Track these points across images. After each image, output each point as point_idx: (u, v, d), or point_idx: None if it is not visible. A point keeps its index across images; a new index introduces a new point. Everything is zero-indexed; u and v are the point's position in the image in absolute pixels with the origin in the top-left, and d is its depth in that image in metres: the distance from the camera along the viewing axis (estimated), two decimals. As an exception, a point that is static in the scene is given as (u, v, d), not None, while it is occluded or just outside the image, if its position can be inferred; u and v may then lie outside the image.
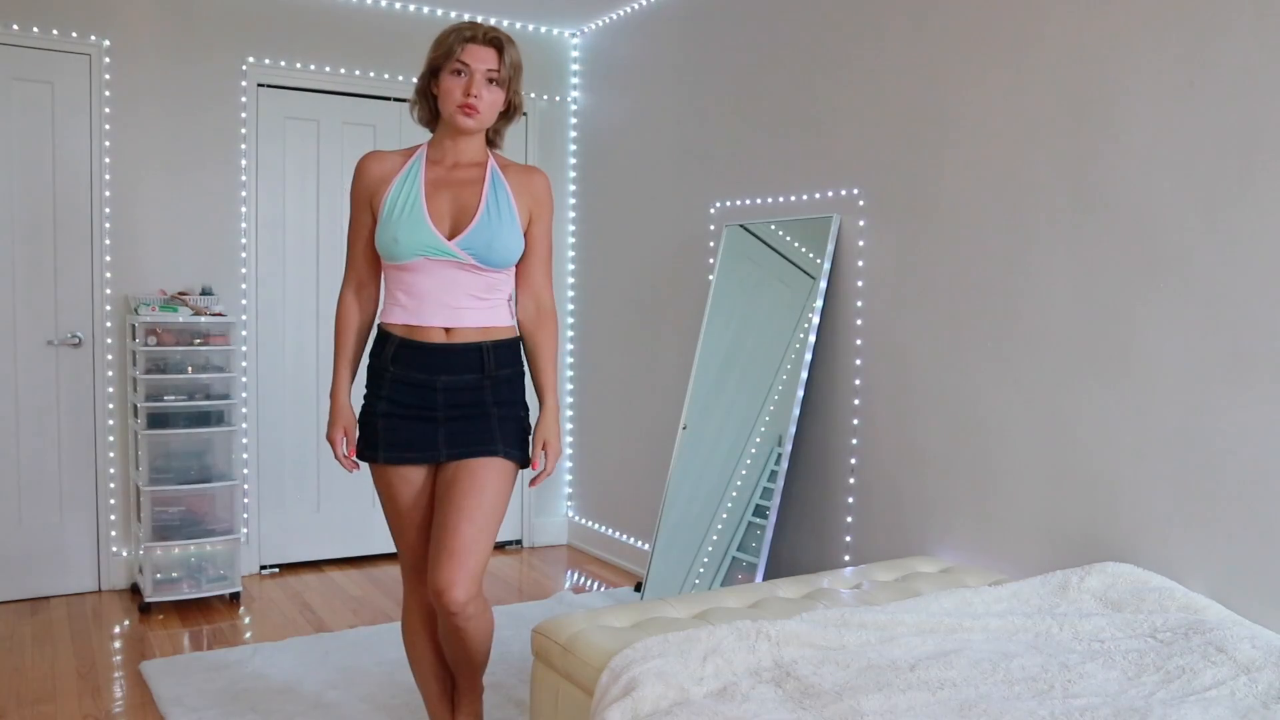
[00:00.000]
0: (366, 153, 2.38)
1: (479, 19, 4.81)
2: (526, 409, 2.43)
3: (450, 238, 2.26)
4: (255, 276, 4.48)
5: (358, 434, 2.38)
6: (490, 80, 2.27)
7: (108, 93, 4.16)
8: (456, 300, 2.29)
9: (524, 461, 2.39)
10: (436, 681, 2.53)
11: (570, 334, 5.15)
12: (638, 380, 4.62)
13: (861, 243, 3.43)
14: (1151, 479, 2.59)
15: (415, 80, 2.40)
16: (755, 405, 3.68)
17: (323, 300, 4.65)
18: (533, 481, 2.41)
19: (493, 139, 2.42)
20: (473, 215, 2.28)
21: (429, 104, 2.36)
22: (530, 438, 2.42)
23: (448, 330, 2.31)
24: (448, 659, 2.47)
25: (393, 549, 4.78)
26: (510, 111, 2.37)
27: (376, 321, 2.43)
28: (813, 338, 3.50)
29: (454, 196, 2.30)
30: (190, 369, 4.07)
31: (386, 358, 2.33)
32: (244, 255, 4.43)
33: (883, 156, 3.35)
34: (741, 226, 3.89)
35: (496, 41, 2.28)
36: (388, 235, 2.27)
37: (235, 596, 4.12)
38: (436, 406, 2.31)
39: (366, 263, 2.39)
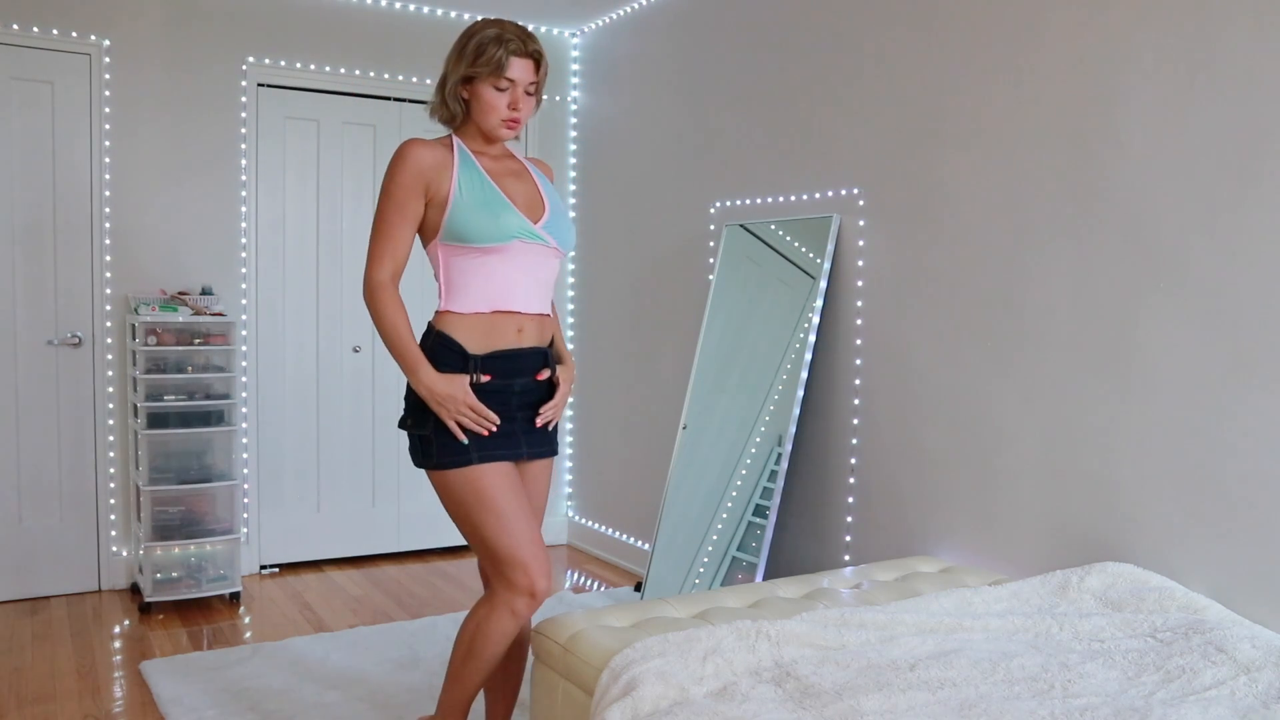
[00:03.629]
0: (409, 140, 2.26)
1: (478, 19, 4.81)
2: None
3: (536, 224, 2.30)
4: (255, 276, 4.48)
5: (435, 442, 2.25)
6: (528, 93, 2.30)
7: (108, 93, 4.16)
8: (533, 286, 2.32)
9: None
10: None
11: (570, 334, 5.15)
12: (638, 380, 4.62)
13: (861, 243, 3.43)
14: (1152, 479, 2.59)
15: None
16: (755, 405, 3.68)
17: (323, 300, 4.65)
18: (539, 417, 2.35)
19: None
20: (540, 203, 2.33)
21: (463, 107, 2.31)
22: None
23: (519, 326, 2.29)
24: (505, 678, 2.49)
25: (392, 549, 4.79)
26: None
27: (437, 310, 2.32)
28: (813, 338, 3.50)
29: (518, 186, 2.33)
30: (190, 369, 4.07)
31: (474, 366, 2.25)
32: (244, 255, 4.44)
33: (883, 156, 3.35)
34: (741, 226, 3.89)
35: (538, 54, 2.29)
36: (481, 217, 2.20)
37: (235, 596, 4.12)
38: (512, 407, 2.32)
39: (405, 253, 2.28)
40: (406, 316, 2.27)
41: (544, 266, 2.34)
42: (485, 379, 2.26)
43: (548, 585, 2.30)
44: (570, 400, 5.15)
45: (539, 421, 2.36)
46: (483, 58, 2.23)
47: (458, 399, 2.22)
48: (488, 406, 2.26)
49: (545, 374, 2.36)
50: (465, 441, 2.23)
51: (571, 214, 2.34)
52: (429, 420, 2.25)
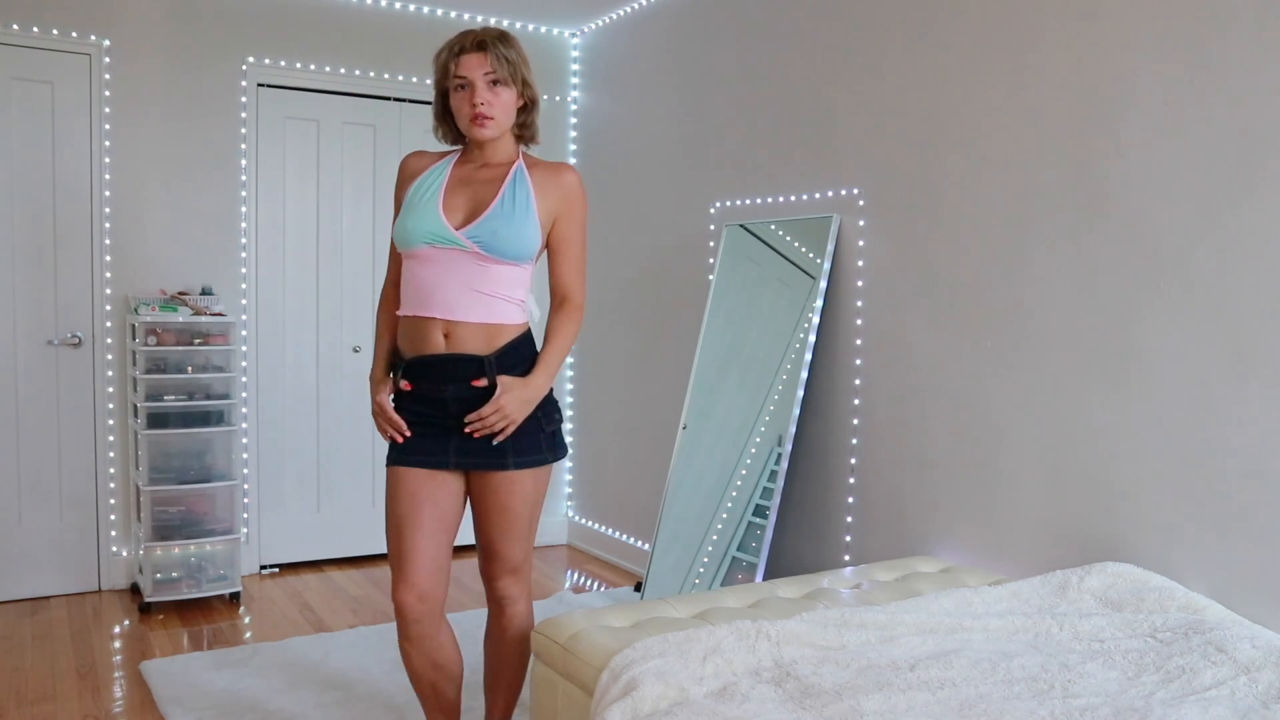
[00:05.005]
0: (412, 151, 2.40)
1: (479, 19, 4.81)
2: (546, 406, 2.34)
3: (460, 229, 2.25)
4: (255, 276, 4.48)
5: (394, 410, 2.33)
6: (493, 83, 2.25)
7: (108, 93, 4.16)
8: (454, 292, 2.25)
9: (543, 461, 2.33)
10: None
11: (570, 334, 5.14)
12: (638, 380, 4.62)
13: (861, 243, 3.43)
14: (1152, 479, 2.59)
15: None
16: (755, 405, 3.68)
17: (323, 300, 4.65)
18: (468, 424, 2.26)
19: (520, 135, 2.37)
20: (486, 208, 2.26)
21: (450, 125, 2.37)
22: (549, 432, 2.34)
23: (445, 331, 2.25)
24: (489, 670, 2.51)
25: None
26: (528, 105, 2.34)
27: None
28: (813, 338, 3.50)
29: (474, 193, 2.29)
30: (190, 369, 4.07)
31: (396, 374, 2.32)
32: (244, 255, 4.44)
33: (883, 156, 3.35)
34: (741, 226, 3.89)
35: (482, 43, 2.25)
36: (400, 223, 2.29)
37: (235, 596, 4.12)
38: (449, 415, 2.28)
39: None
40: (390, 320, 2.41)
41: (470, 273, 2.24)
42: (406, 387, 2.30)
43: (416, 602, 2.28)
44: (570, 401, 5.15)
45: (469, 430, 2.26)
46: (438, 66, 2.30)
47: (375, 403, 2.34)
48: (424, 411, 2.29)
49: (482, 382, 2.24)
50: (393, 444, 2.34)
51: (539, 220, 2.27)
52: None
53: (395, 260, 2.43)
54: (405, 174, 2.38)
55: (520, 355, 2.30)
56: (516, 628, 2.46)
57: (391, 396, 2.34)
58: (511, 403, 2.23)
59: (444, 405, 2.27)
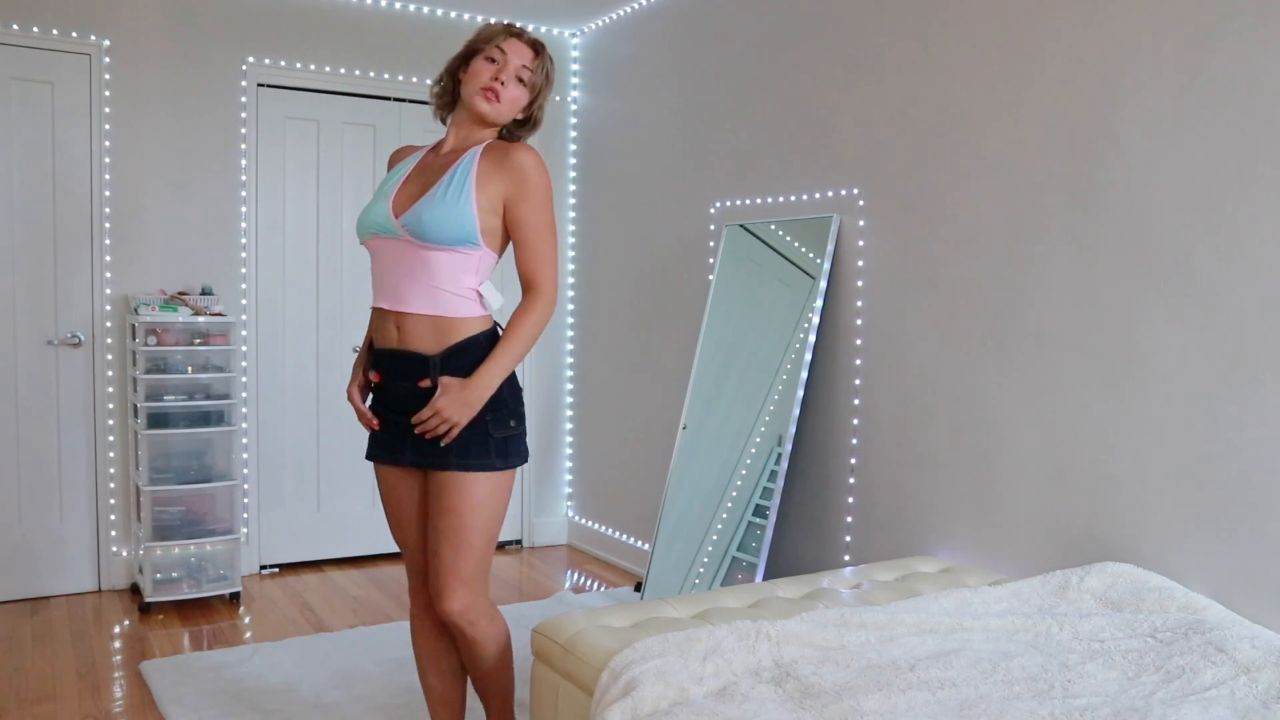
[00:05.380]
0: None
1: (480, 19, 4.81)
2: (498, 410, 2.21)
3: (400, 216, 2.20)
4: (255, 276, 4.48)
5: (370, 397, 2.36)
6: (520, 79, 2.26)
7: (108, 93, 4.16)
8: (399, 281, 2.20)
9: (489, 467, 2.20)
10: (444, 704, 2.49)
11: (570, 334, 5.15)
12: (637, 380, 4.62)
13: (861, 243, 3.43)
14: (1152, 479, 2.59)
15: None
16: (755, 405, 3.68)
17: (323, 300, 4.65)
18: (413, 421, 2.18)
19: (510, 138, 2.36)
20: (426, 192, 2.20)
21: (452, 84, 2.32)
22: (500, 438, 2.22)
23: (397, 323, 2.22)
24: (481, 691, 2.47)
25: (392, 549, 4.78)
26: (530, 122, 2.34)
27: None
28: (813, 338, 3.50)
29: (426, 181, 2.24)
30: (190, 369, 4.07)
31: (369, 364, 2.35)
32: (244, 255, 4.44)
33: (883, 156, 3.35)
34: (741, 226, 3.89)
35: (538, 45, 2.30)
36: (359, 214, 2.33)
37: (235, 596, 4.12)
38: (403, 410, 2.24)
39: None
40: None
41: (411, 262, 2.17)
42: (375, 378, 2.30)
43: (419, 598, 2.39)
44: (570, 401, 5.15)
45: (418, 431, 2.18)
46: (484, 34, 2.29)
47: (346, 391, 2.35)
48: (383, 405, 2.30)
49: (426, 383, 2.19)
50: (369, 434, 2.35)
51: (475, 202, 2.18)
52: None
53: None
54: (389, 168, 2.41)
55: (472, 354, 2.19)
56: (491, 654, 2.31)
57: (369, 387, 2.38)
58: (450, 405, 2.13)
59: (398, 400, 2.26)
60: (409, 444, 2.24)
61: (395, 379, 2.25)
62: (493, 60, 2.25)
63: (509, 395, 2.24)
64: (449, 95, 2.34)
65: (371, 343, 2.34)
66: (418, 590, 2.41)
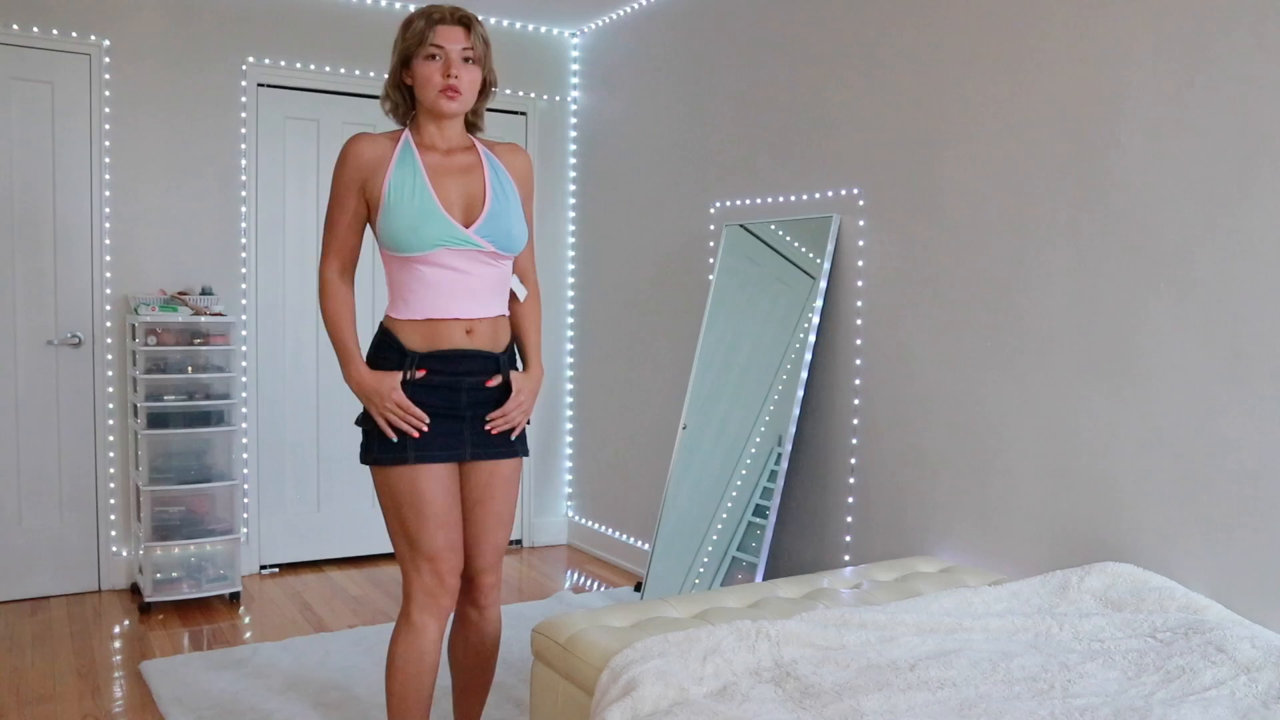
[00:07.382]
0: (355, 134, 2.27)
1: (479, 19, 4.80)
2: None
3: (466, 226, 2.21)
4: (255, 276, 4.48)
5: (374, 438, 2.26)
6: (466, 59, 2.23)
7: (108, 93, 4.16)
8: (474, 289, 2.24)
9: (527, 450, 2.43)
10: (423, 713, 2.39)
11: (570, 334, 5.15)
12: (637, 380, 4.62)
13: (861, 243, 3.43)
14: (1151, 479, 2.59)
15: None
16: (755, 405, 3.68)
17: (323, 300, 4.65)
18: (489, 421, 2.29)
19: (474, 121, 2.35)
20: (481, 202, 2.23)
21: (404, 95, 2.29)
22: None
23: (468, 328, 2.24)
24: (465, 678, 2.46)
25: (392, 549, 4.77)
26: (485, 88, 2.32)
27: (382, 319, 2.33)
28: (813, 338, 3.50)
29: (460, 184, 2.24)
30: (190, 369, 4.07)
31: (409, 363, 2.23)
32: (244, 255, 4.44)
33: (883, 156, 3.35)
34: (741, 226, 3.89)
35: (465, 19, 2.24)
36: (400, 225, 2.17)
37: (235, 596, 4.12)
38: (460, 405, 2.26)
39: (352, 249, 2.30)
40: (350, 311, 2.30)
41: (484, 270, 2.25)
42: (420, 374, 2.23)
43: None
44: (570, 400, 5.15)
45: (489, 428, 2.29)
46: (411, 34, 2.23)
47: (384, 395, 2.21)
48: (435, 402, 2.23)
49: (496, 380, 2.28)
50: (395, 439, 2.23)
51: (521, 211, 2.28)
52: (372, 416, 2.27)
53: (348, 251, 2.30)
54: (361, 161, 2.22)
55: (511, 347, 2.38)
56: (495, 629, 2.45)
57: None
58: (530, 399, 2.35)
59: (458, 395, 2.25)
60: (468, 439, 2.28)
61: (458, 374, 2.25)
62: (434, 57, 2.21)
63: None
64: (405, 105, 2.31)
65: (401, 346, 2.24)
66: (437, 593, 2.28)
